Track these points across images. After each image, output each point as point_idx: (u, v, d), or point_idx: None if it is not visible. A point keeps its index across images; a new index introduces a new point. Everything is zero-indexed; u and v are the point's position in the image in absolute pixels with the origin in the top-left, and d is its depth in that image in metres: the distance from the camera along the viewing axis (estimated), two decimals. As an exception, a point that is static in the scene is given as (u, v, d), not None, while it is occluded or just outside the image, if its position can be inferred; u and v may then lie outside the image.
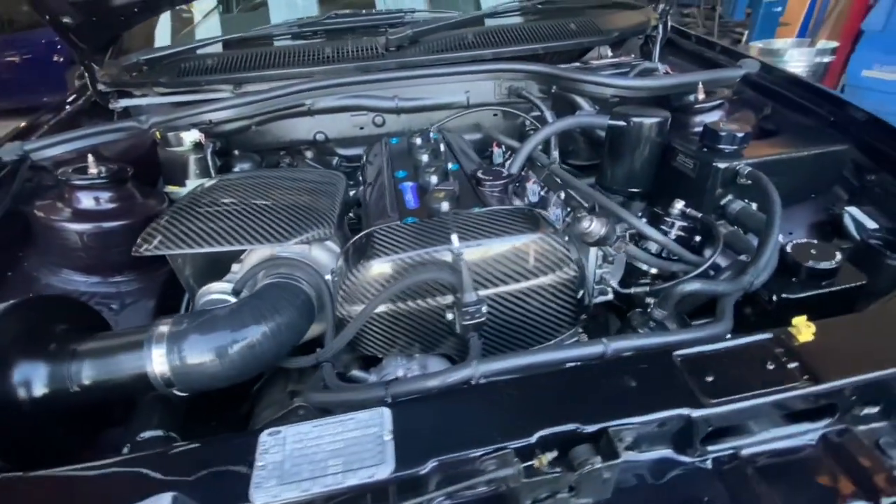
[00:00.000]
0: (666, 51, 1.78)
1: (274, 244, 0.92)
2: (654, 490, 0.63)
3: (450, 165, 1.15)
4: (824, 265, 0.89)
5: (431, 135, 1.33)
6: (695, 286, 0.85)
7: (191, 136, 1.29)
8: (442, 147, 1.22)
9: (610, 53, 1.75)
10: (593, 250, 0.97)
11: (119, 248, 1.07)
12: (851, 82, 3.91)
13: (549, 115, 1.37)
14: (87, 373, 0.76)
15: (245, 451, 0.61)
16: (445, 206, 0.94)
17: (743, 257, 0.96)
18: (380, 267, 0.86)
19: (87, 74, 1.55)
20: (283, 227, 0.93)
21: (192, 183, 1.29)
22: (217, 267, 1.01)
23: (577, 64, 1.65)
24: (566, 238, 0.93)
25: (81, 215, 1.10)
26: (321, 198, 1.06)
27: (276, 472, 0.58)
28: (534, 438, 0.59)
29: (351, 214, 1.35)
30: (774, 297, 0.89)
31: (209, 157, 1.31)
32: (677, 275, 0.97)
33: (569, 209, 1.07)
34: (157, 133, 1.32)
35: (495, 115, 1.66)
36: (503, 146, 1.44)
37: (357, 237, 0.93)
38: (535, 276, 0.88)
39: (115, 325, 1.04)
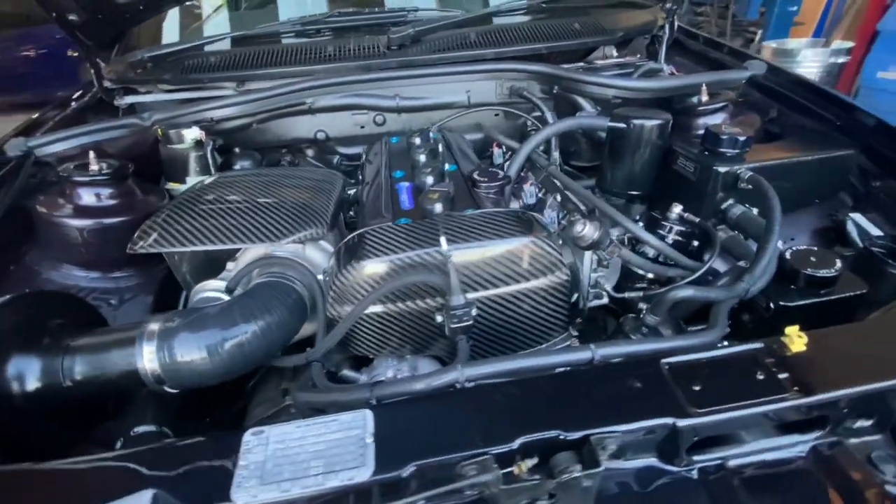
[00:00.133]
0: (672, 51, 1.76)
1: (267, 243, 0.93)
2: (639, 499, 0.63)
3: (446, 166, 1.15)
4: (823, 273, 0.87)
5: (431, 134, 1.33)
6: (687, 292, 0.84)
7: (192, 134, 1.30)
8: (440, 147, 1.21)
9: (615, 53, 1.72)
10: (588, 254, 0.96)
11: (119, 243, 1.08)
12: (866, 84, 3.83)
13: (549, 115, 1.36)
14: (79, 368, 0.77)
15: (229, 450, 0.61)
16: (439, 207, 0.94)
17: (742, 263, 0.95)
18: (370, 268, 0.86)
19: (92, 71, 1.57)
20: (277, 227, 0.94)
21: (191, 180, 1.30)
22: (214, 264, 1.02)
23: (581, 64, 1.63)
24: (560, 241, 0.92)
25: (82, 211, 1.12)
26: (317, 197, 1.06)
27: (258, 472, 0.58)
28: (515, 444, 0.58)
29: (352, 213, 1.35)
30: (772, 305, 0.88)
31: (209, 155, 1.31)
32: (674, 280, 0.96)
33: (565, 212, 1.06)
34: (160, 130, 1.33)
35: (497, 115, 1.65)
36: (503, 147, 1.44)
37: (349, 237, 0.94)
38: (527, 279, 0.87)
39: (114, 320, 1.05)
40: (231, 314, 0.80)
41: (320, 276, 0.94)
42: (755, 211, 1.02)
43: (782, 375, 0.65)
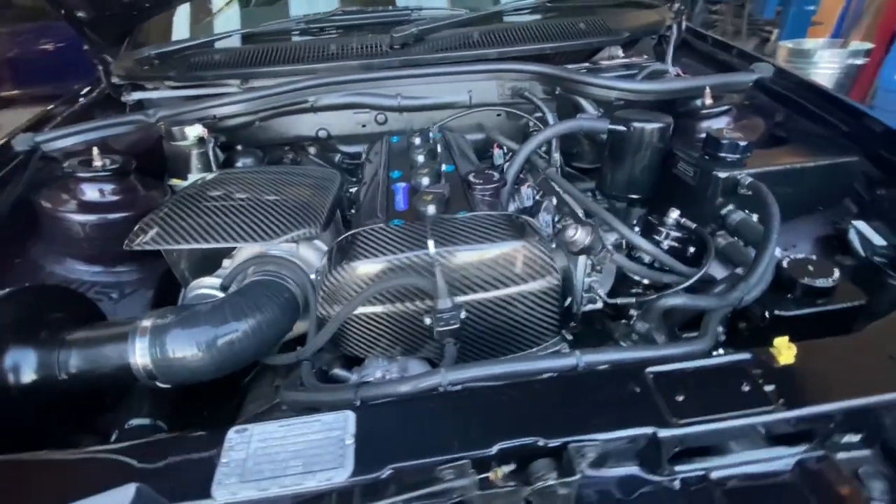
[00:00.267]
0: (680, 52, 1.73)
1: (261, 242, 0.94)
2: (619, 508, 0.62)
3: (444, 167, 1.14)
4: (821, 283, 0.86)
5: (431, 134, 1.33)
6: (677, 300, 0.83)
7: (194, 131, 1.32)
8: (439, 148, 1.21)
9: (621, 54, 1.70)
10: (582, 258, 0.95)
11: (121, 239, 1.10)
12: (884, 86, 3.72)
13: (550, 116, 1.35)
14: (74, 361, 0.78)
15: (213, 447, 0.62)
16: (432, 209, 0.94)
17: (739, 270, 0.93)
18: (360, 269, 0.86)
19: (101, 67, 1.59)
20: (271, 225, 0.95)
21: (193, 177, 1.32)
22: (211, 261, 1.03)
23: (586, 65, 1.62)
24: (553, 245, 0.92)
25: (85, 206, 1.14)
26: (313, 196, 1.06)
27: (238, 470, 0.59)
28: (493, 450, 0.58)
29: (353, 211, 1.35)
30: (767, 314, 0.87)
31: (211, 152, 1.33)
32: (670, 286, 0.95)
33: (560, 215, 1.06)
34: (164, 127, 1.35)
35: (499, 115, 1.64)
36: (504, 147, 1.43)
37: (342, 237, 0.94)
38: (517, 283, 0.87)
39: (114, 314, 1.07)
40: (222, 312, 0.81)
41: (313, 276, 0.95)
42: (755, 217, 1.01)
43: (768, 387, 0.64)
